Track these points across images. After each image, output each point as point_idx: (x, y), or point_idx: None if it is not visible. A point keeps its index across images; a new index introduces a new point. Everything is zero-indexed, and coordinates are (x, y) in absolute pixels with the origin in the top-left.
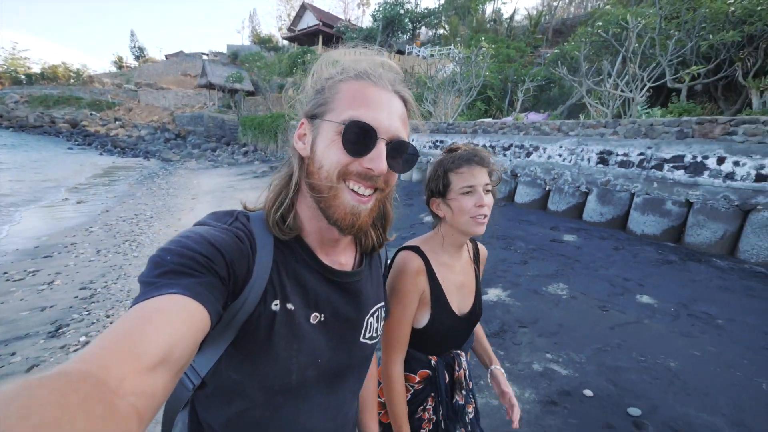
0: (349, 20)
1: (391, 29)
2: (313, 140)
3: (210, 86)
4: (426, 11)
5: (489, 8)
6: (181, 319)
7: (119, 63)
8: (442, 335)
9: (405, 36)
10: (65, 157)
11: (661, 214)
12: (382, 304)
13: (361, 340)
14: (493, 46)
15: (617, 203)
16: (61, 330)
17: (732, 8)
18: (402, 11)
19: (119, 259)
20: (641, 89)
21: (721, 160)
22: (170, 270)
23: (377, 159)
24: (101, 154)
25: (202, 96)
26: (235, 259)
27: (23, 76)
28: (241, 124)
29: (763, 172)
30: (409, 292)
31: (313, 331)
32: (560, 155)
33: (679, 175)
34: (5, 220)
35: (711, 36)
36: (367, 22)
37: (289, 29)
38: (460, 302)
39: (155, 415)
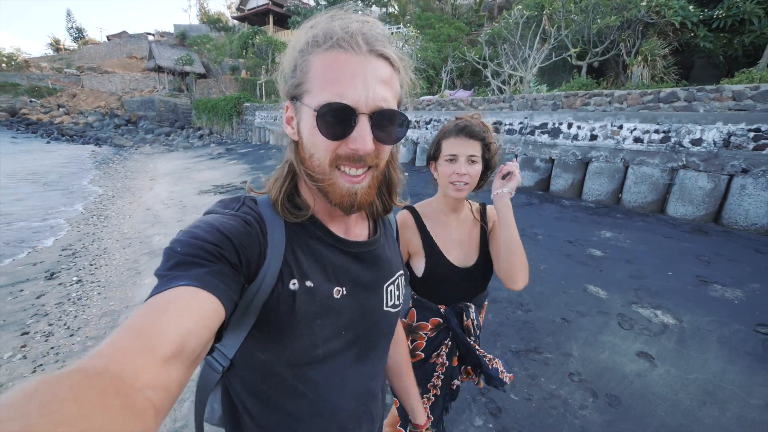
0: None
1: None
2: (298, 124)
3: (159, 69)
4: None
5: None
6: (192, 311)
7: (56, 45)
8: (442, 283)
9: (358, 14)
10: (11, 147)
11: (533, 170)
12: (401, 272)
13: (385, 308)
14: (435, 26)
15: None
16: (54, 275)
17: None
18: None
19: (90, 229)
20: (531, 69)
21: (569, 126)
22: (180, 261)
23: (360, 139)
24: (48, 142)
25: (151, 80)
26: (245, 244)
27: None
28: (194, 107)
29: (594, 133)
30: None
31: (336, 305)
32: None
33: (545, 138)
34: None
35: (599, 20)
36: None
37: (238, 9)
38: (459, 255)
39: (171, 407)
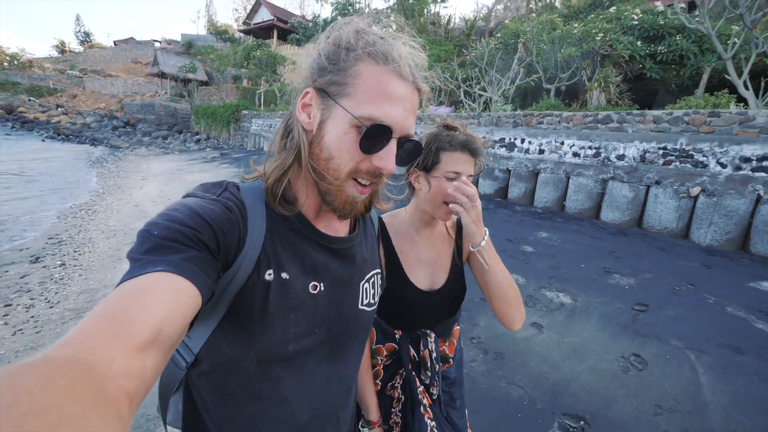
0: (303, 16)
1: None
2: (322, 121)
3: (162, 75)
4: (376, 11)
5: (434, 9)
6: (168, 298)
7: (61, 47)
8: (403, 307)
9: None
10: (3, 143)
11: (493, 179)
12: (378, 270)
13: (359, 307)
14: (427, 47)
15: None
16: (39, 259)
17: (576, 31)
18: (352, 11)
19: (77, 221)
20: (498, 90)
21: (522, 140)
22: (156, 245)
23: (386, 159)
24: (44, 140)
25: (154, 84)
26: (225, 230)
27: None
28: (194, 113)
29: (542, 148)
30: None
31: (311, 299)
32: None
33: (503, 151)
34: None
35: (562, 50)
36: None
37: (244, 22)
38: (425, 277)
39: (146, 395)
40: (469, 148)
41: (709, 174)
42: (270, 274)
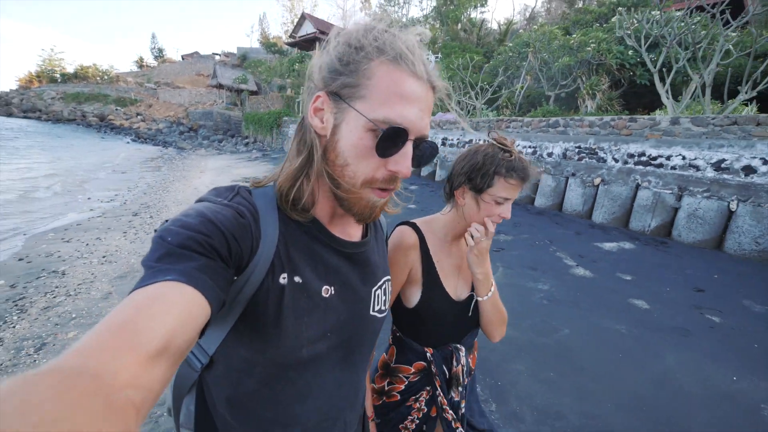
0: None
1: None
2: (336, 125)
3: (219, 86)
4: (411, 20)
5: (472, 14)
6: (178, 308)
7: (140, 63)
8: (436, 318)
9: None
10: (103, 143)
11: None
12: (388, 277)
13: (371, 313)
14: (451, 56)
15: (448, 168)
16: (136, 214)
17: (572, 41)
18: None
19: (159, 195)
20: (482, 98)
21: (484, 142)
22: (169, 252)
23: (402, 162)
24: (128, 143)
25: (213, 94)
26: (237, 236)
27: (59, 75)
28: (244, 119)
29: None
30: (397, 264)
31: (323, 303)
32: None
33: None
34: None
35: (559, 60)
36: None
37: (290, 36)
38: (456, 286)
39: (153, 406)
40: (524, 177)
41: (606, 167)
42: (284, 278)
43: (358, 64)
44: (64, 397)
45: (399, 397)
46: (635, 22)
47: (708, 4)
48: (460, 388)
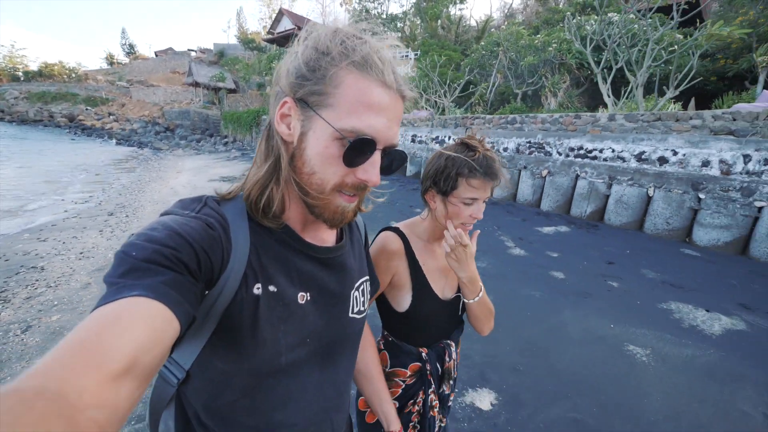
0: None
1: None
2: (303, 133)
3: (196, 84)
4: (391, 16)
5: (452, 11)
6: (145, 324)
7: (110, 59)
8: (428, 320)
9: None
10: (73, 146)
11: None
12: (367, 277)
13: (350, 315)
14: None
15: (417, 164)
16: (112, 214)
17: (536, 41)
18: (367, 17)
19: (134, 196)
20: (450, 96)
21: (449, 138)
22: (134, 267)
23: (371, 171)
24: (101, 144)
25: (190, 93)
26: (206, 248)
27: (21, 74)
28: (223, 118)
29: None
30: (379, 268)
31: (300, 310)
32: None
33: (436, 146)
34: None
35: (524, 59)
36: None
37: (268, 32)
38: (443, 286)
39: (120, 426)
40: (488, 174)
41: (552, 160)
42: (258, 288)
43: (325, 71)
44: (24, 420)
45: (397, 404)
46: (578, 26)
47: (666, 6)
48: (450, 382)
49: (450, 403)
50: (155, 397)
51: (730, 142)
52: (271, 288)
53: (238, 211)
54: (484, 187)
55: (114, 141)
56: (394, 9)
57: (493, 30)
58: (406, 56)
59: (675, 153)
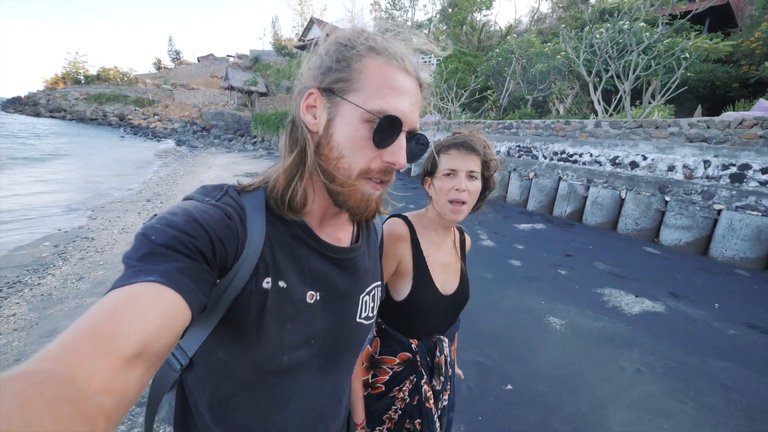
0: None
1: None
2: (330, 119)
3: (231, 88)
4: (415, 24)
5: (478, 17)
6: (156, 311)
7: (158, 65)
8: (425, 311)
9: None
10: (122, 142)
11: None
12: (379, 283)
13: (357, 320)
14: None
15: (419, 164)
16: (150, 200)
17: (546, 49)
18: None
19: (170, 184)
20: (457, 102)
21: None
22: (152, 251)
23: (398, 153)
24: (145, 141)
25: (226, 95)
26: (222, 237)
27: (82, 77)
28: (253, 120)
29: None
30: (386, 254)
31: (308, 310)
32: None
33: None
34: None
35: (535, 66)
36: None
37: (299, 39)
38: (444, 281)
39: (127, 411)
40: (465, 145)
41: (538, 163)
42: (268, 282)
43: (350, 60)
44: (32, 404)
45: (384, 388)
46: (582, 37)
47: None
48: (441, 378)
49: (445, 402)
50: (157, 380)
51: (693, 149)
52: (281, 283)
53: (257, 204)
54: (461, 157)
55: (156, 139)
56: (420, 16)
57: (508, 37)
58: (429, 61)
59: (644, 158)
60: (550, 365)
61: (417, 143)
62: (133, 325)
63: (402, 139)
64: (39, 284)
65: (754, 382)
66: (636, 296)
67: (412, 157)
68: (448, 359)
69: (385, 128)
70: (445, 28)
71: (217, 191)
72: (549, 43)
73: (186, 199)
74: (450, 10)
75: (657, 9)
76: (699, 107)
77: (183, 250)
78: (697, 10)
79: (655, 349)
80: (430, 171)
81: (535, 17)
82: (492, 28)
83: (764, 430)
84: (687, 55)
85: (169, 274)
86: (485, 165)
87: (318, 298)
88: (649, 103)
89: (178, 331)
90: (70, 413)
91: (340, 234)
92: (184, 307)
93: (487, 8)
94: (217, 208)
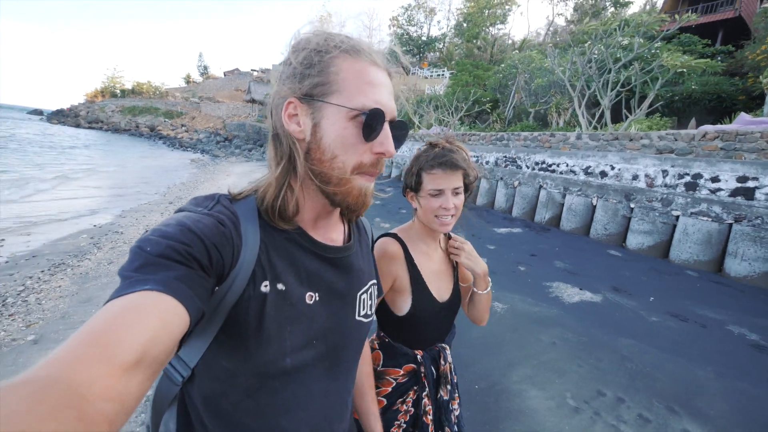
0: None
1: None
2: (315, 124)
3: (253, 101)
4: (430, 39)
5: (492, 31)
6: (155, 318)
7: (188, 79)
8: (425, 323)
9: (414, 58)
10: (152, 151)
11: None
12: (374, 281)
13: (357, 318)
14: (458, 74)
15: (399, 167)
16: (171, 203)
17: (546, 64)
18: (409, 39)
19: (188, 189)
20: (456, 115)
21: None
22: (147, 262)
23: (386, 142)
24: (172, 150)
25: (248, 108)
26: (218, 244)
27: (119, 91)
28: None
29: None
30: (380, 273)
31: (308, 310)
32: (406, 150)
33: None
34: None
35: (536, 80)
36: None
37: None
38: (439, 288)
39: (128, 417)
40: (445, 164)
41: (521, 173)
42: (266, 286)
43: (324, 64)
44: (36, 409)
45: (386, 402)
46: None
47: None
48: (448, 387)
49: (457, 412)
50: (159, 395)
51: (653, 159)
52: (279, 286)
53: (249, 210)
54: (446, 177)
55: (183, 148)
56: (434, 32)
57: (514, 52)
58: (442, 75)
59: (612, 168)
60: (477, 335)
61: (399, 130)
62: (132, 333)
63: (387, 129)
64: (78, 265)
65: (651, 356)
66: (580, 289)
67: (398, 143)
68: (452, 367)
69: (372, 122)
70: (459, 42)
71: (209, 201)
72: (549, 59)
73: (178, 211)
74: (465, 24)
75: (632, 30)
76: (693, 120)
77: (178, 258)
78: (689, 24)
79: (576, 328)
80: (414, 187)
81: (551, 30)
82: (506, 42)
83: (640, 387)
84: (660, 71)
85: (165, 282)
86: (466, 175)
87: (317, 298)
88: (646, 116)
89: (177, 336)
90: (73, 418)
91: (332, 234)
92: (182, 312)
93: (502, 23)
94: (209, 216)
